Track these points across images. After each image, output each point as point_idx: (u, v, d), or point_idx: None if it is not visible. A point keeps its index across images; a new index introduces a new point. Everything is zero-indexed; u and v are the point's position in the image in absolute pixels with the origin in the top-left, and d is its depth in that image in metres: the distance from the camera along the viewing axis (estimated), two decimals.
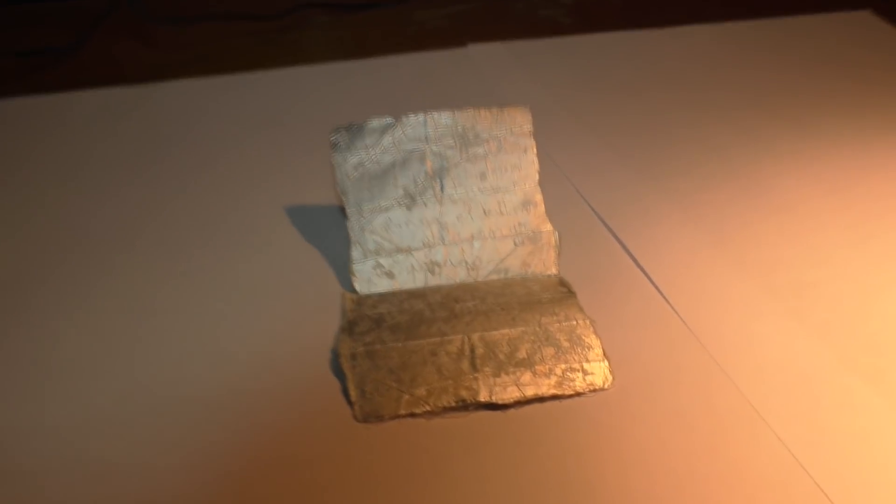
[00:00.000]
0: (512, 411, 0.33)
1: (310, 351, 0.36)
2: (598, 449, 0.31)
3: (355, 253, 0.38)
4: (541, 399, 0.33)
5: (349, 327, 0.36)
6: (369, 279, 0.38)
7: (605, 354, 0.34)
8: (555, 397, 0.33)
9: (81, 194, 0.47)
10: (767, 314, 0.38)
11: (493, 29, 0.67)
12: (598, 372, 0.34)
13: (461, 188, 0.39)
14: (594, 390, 0.33)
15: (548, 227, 0.39)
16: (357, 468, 0.31)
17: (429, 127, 0.39)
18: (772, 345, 0.36)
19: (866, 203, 0.46)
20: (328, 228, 0.43)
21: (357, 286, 0.38)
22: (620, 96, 0.57)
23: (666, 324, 0.37)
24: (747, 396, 0.33)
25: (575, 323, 0.36)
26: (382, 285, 0.38)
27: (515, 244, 0.39)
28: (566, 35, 0.66)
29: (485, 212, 0.39)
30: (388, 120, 0.39)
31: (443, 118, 0.39)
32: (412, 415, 0.32)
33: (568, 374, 0.34)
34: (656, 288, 0.39)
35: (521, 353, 0.34)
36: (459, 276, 0.39)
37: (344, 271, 0.39)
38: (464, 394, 0.33)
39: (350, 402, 0.33)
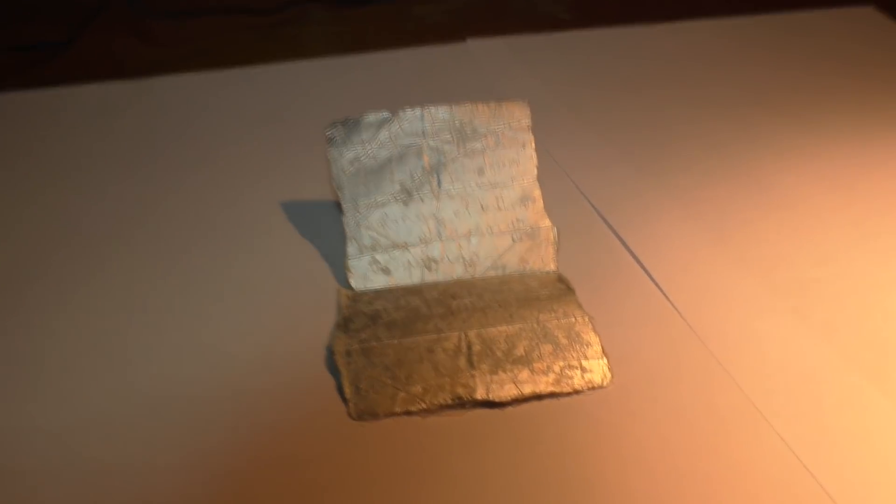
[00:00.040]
0: (509, 409, 0.32)
1: (305, 348, 0.35)
2: (597, 448, 0.31)
3: (351, 249, 0.38)
4: (538, 397, 0.33)
5: (344, 324, 0.35)
6: (365, 275, 0.38)
7: (603, 352, 0.34)
8: (553, 395, 0.33)
9: (77, 190, 0.46)
10: (769, 312, 0.37)
11: (492, 24, 0.67)
12: (596, 369, 0.33)
13: (458, 183, 0.39)
14: (593, 388, 0.33)
15: (546, 222, 0.39)
16: (351, 467, 0.30)
17: (426, 121, 0.39)
18: (774, 343, 0.36)
19: (869, 200, 0.45)
20: (325, 224, 0.43)
21: (353, 282, 0.38)
22: (620, 92, 0.56)
23: (666, 321, 0.37)
24: (749, 395, 0.33)
25: (573, 320, 0.35)
26: (378, 281, 0.38)
27: (513, 240, 0.39)
28: (566, 30, 0.65)
29: (482, 207, 0.39)
30: (385, 114, 0.39)
31: (440, 112, 0.39)
32: (407, 413, 0.32)
33: (566, 371, 0.33)
34: (656, 285, 0.39)
35: (519, 351, 0.34)
36: (456, 272, 0.38)
37: (340, 267, 0.39)
38: (460, 391, 0.32)
39: (345, 400, 0.32)
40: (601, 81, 0.58)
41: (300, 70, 0.60)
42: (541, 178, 0.40)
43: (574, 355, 0.34)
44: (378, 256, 0.38)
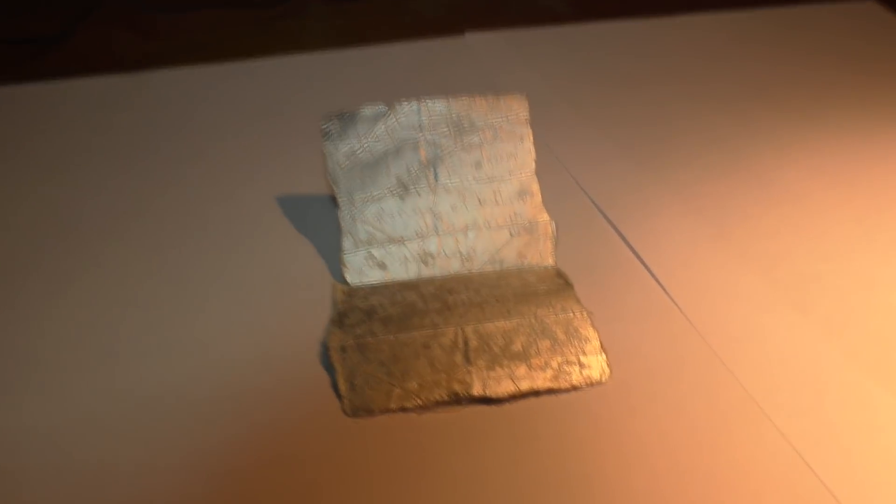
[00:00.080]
0: (506, 406, 0.32)
1: (299, 343, 0.35)
2: (595, 445, 0.30)
3: (346, 243, 0.37)
4: (536, 393, 0.32)
5: (339, 319, 0.35)
6: (361, 270, 0.37)
7: (602, 347, 0.34)
8: (550, 391, 0.32)
9: (72, 183, 0.46)
10: (770, 307, 0.37)
11: (491, 18, 0.66)
12: (595, 365, 0.33)
13: (455, 177, 0.38)
14: (591, 384, 0.33)
15: (544, 217, 0.39)
16: (345, 464, 0.30)
17: (422, 115, 0.38)
18: (775, 338, 0.35)
19: (870, 195, 0.45)
20: (320, 219, 0.42)
21: (348, 277, 0.37)
22: (620, 87, 0.56)
23: (666, 316, 0.36)
24: (750, 391, 0.32)
25: (572, 315, 0.35)
26: (374, 276, 0.37)
27: (511, 234, 0.38)
28: (565, 24, 0.65)
29: (480, 201, 0.38)
30: (381, 107, 0.38)
31: (437, 106, 0.38)
32: (403, 409, 0.31)
33: (564, 367, 0.33)
34: (656, 280, 0.38)
35: (517, 346, 0.33)
36: (453, 267, 0.38)
37: (335, 262, 0.38)
38: (457, 387, 0.32)
39: (339, 396, 0.32)
40: (601, 76, 0.57)
41: (298, 63, 0.60)
42: (539, 173, 0.39)
43: (572, 351, 0.33)
44: (374, 251, 0.37)
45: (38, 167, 0.47)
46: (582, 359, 0.33)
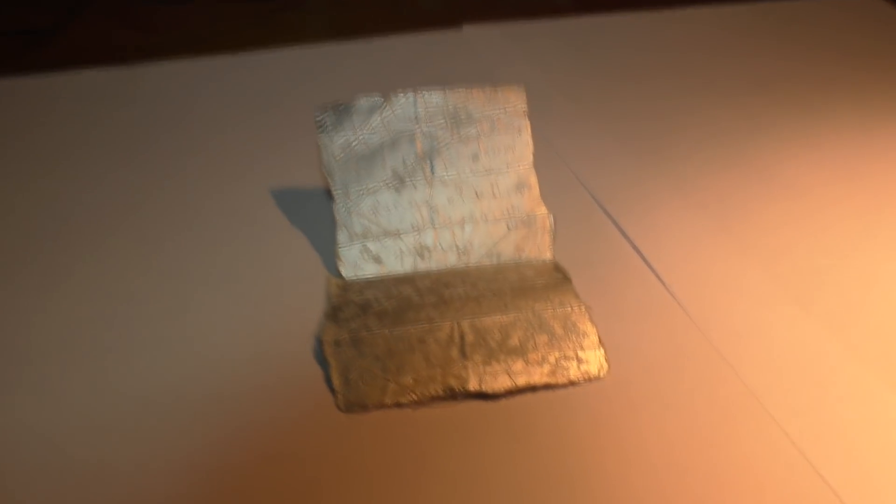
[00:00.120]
0: (503, 402, 0.31)
1: (293, 337, 0.34)
2: (593, 441, 0.30)
3: (341, 236, 0.37)
4: (533, 388, 0.32)
5: (333, 313, 0.34)
6: (356, 264, 0.37)
7: (600, 342, 0.33)
8: (548, 387, 0.32)
9: (66, 177, 0.45)
10: (771, 302, 0.36)
11: (489, 10, 0.66)
12: (593, 360, 0.32)
13: (452, 169, 0.38)
14: (589, 379, 0.32)
15: (542, 210, 0.38)
16: (339, 460, 0.29)
17: (419, 106, 0.38)
18: (776, 334, 0.35)
19: (872, 189, 0.44)
20: (315, 212, 0.42)
21: (343, 271, 0.37)
22: (620, 80, 0.55)
23: (666, 311, 0.36)
24: (751, 387, 0.32)
25: (570, 309, 0.34)
26: (369, 270, 0.37)
27: (508, 228, 0.38)
28: (564, 17, 0.64)
29: (477, 194, 0.38)
30: (377, 99, 0.38)
31: (433, 97, 0.38)
32: (398, 404, 0.31)
33: (562, 362, 0.32)
34: (656, 274, 0.38)
35: (513, 341, 0.33)
36: (450, 260, 0.37)
37: (330, 256, 0.38)
38: (452, 382, 0.31)
39: (333, 391, 0.31)
40: (600, 69, 0.57)
41: (295, 56, 0.59)
42: (538, 167, 0.39)
43: (570, 346, 0.33)
44: (369, 244, 0.37)
45: (33, 160, 0.47)
46: (580, 354, 0.33)
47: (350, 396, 0.31)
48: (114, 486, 0.28)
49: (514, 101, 0.38)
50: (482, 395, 0.31)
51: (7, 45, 0.61)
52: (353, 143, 0.38)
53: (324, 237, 0.39)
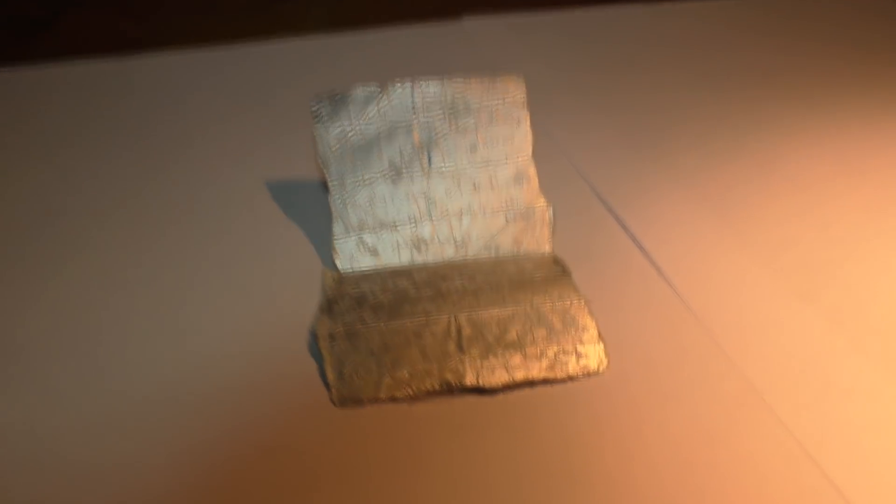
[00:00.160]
0: (500, 396, 0.31)
1: (287, 331, 0.34)
2: (592, 436, 0.29)
3: (337, 228, 0.36)
4: (531, 383, 0.31)
5: (328, 306, 0.34)
6: (352, 256, 0.36)
7: (600, 336, 0.32)
8: (546, 381, 0.31)
9: (58, 169, 0.45)
10: (774, 296, 0.36)
11: (489, 2, 0.65)
12: (592, 355, 0.32)
13: (450, 161, 0.37)
14: (588, 374, 0.31)
15: (541, 202, 0.37)
16: (333, 455, 0.29)
17: (416, 96, 0.37)
18: (778, 328, 0.34)
19: (876, 183, 0.44)
20: (311, 204, 0.41)
21: (339, 263, 0.36)
22: (622, 72, 0.55)
23: (666, 305, 0.35)
24: (752, 382, 0.31)
25: (569, 303, 0.34)
26: (365, 262, 0.36)
27: (507, 220, 0.37)
28: (566, 9, 0.64)
29: (475, 186, 0.37)
30: (373, 89, 0.37)
31: (431, 87, 0.37)
32: (393, 399, 0.30)
33: (561, 356, 0.32)
34: (656, 268, 0.37)
35: (511, 335, 0.32)
36: (447, 253, 0.37)
37: (326, 248, 0.37)
38: (449, 377, 0.31)
39: (327, 386, 0.31)
40: (602, 62, 0.56)
41: (293, 48, 0.58)
42: (538, 160, 0.38)
43: (569, 340, 0.32)
44: (365, 237, 0.36)
45: (25, 152, 0.46)
46: (579, 348, 0.32)
47: (344, 391, 0.30)
48: (107, 481, 0.28)
49: (513, 92, 0.38)
50: (479, 390, 0.31)
51: (2, 35, 0.60)
52: (350, 134, 0.37)
53: (320, 229, 0.39)
